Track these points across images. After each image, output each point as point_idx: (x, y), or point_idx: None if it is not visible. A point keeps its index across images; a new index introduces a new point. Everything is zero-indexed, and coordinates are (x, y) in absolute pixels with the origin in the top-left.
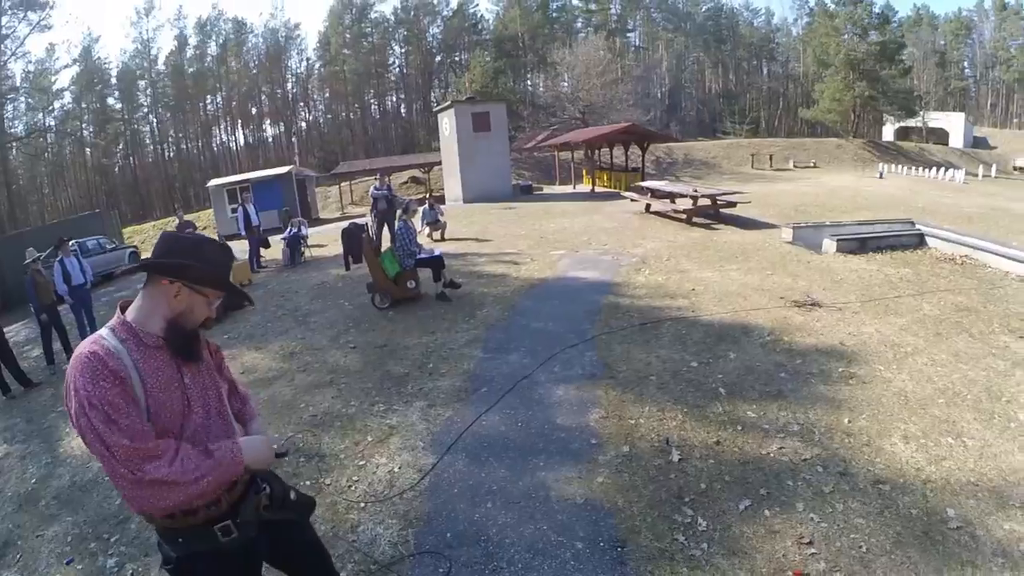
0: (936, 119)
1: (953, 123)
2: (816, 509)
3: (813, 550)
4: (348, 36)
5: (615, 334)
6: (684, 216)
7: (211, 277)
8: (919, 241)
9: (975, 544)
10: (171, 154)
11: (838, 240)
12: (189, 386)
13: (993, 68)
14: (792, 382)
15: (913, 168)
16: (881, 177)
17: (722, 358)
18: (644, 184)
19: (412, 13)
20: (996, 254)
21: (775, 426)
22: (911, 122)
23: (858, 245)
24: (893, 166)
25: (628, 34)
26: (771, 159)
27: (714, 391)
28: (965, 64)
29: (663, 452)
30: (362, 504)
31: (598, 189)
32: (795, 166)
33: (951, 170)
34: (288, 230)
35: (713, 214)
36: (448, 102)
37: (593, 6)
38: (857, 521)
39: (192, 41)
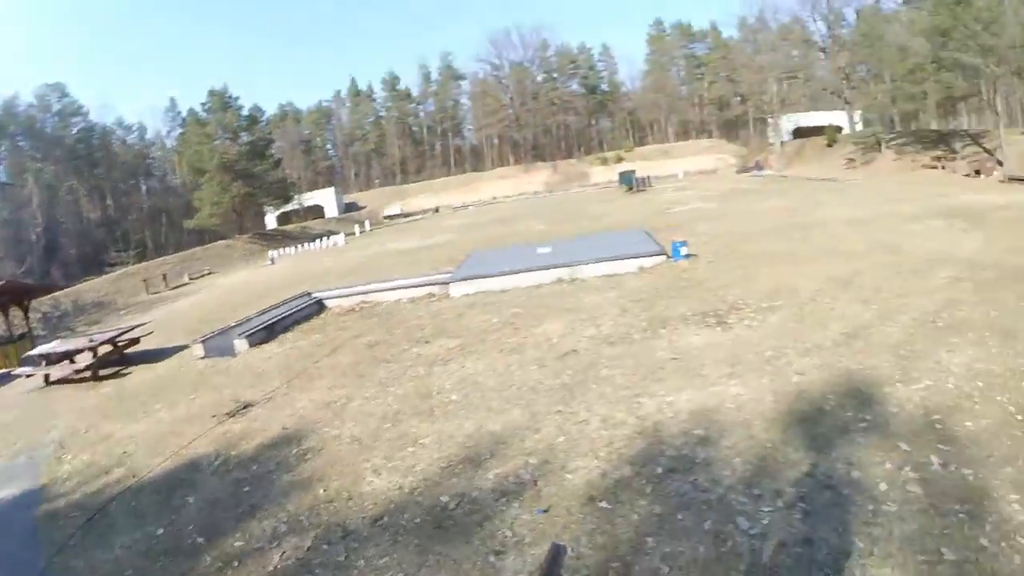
0: (311, 198)
1: (326, 198)
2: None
3: None
4: None
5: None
6: (90, 373)
7: None
8: (320, 307)
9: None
10: None
11: (247, 336)
12: None
13: (352, 144)
14: (260, 490)
15: (300, 245)
16: (272, 263)
17: (183, 507)
18: (35, 352)
19: None
20: (379, 291)
21: (267, 538)
22: (290, 206)
23: (267, 333)
24: (282, 250)
25: None
26: (165, 278)
27: (194, 544)
28: (328, 146)
29: None
30: None
31: None
32: (190, 278)
33: (332, 237)
34: None
35: (118, 359)
36: None
37: None
38: None
39: None
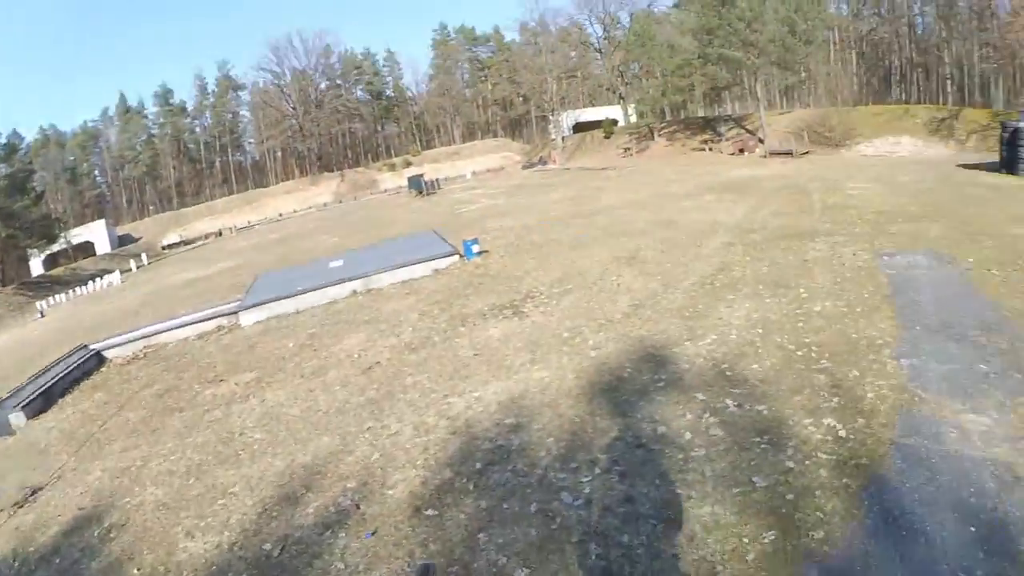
0: (79, 234)
1: (96, 232)
2: None
3: None
4: None
5: None
6: None
7: None
8: (100, 360)
9: None
10: None
11: (23, 408)
12: None
13: (123, 168)
14: None
15: (71, 291)
16: (42, 315)
17: None
18: None
19: None
20: (164, 332)
21: None
22: (56, 247)
23: (44, 401)
24: (53, 298)
25: None
26: None
27: None
28: (96, 172)
29: None
30: None
31: None
32: None
33: (107, 276)
34: None
35: None
36: None
37: None
38: None
39: None
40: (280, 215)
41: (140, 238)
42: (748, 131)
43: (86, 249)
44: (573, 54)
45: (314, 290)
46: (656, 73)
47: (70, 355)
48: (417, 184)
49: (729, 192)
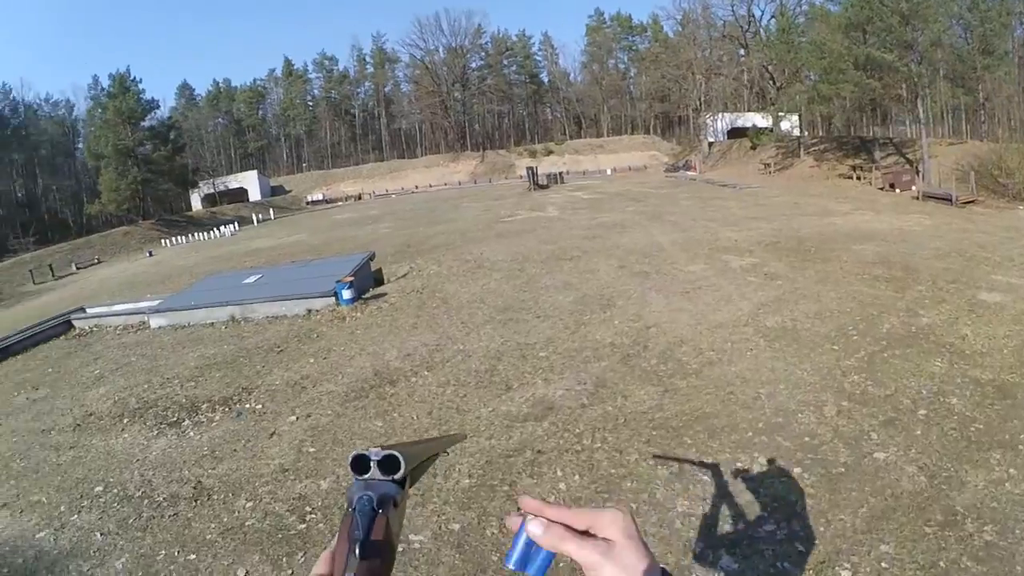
0: (235, 181)
1: (250, 181)
2: None
3: None
4: None
5: None
6: None
7: None
8: (67, 327)
9: None
10: None
11: None
12: None
13: (284, 126)
14: None
15: (193, 235)
16: (151, 256)
17: None
18: None
19: None
20: (114, 315)
21: None
22: (211, 189)
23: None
24: (176, 238)
25: None
26: (52, 269)
27: None
28: (261, 127)
29: None
30: None
31: None
32: (77, 268)
33: (226, 227)
34: None
35: None
36: None
37: None
38: None
39: None
40: (416, 187)
41: (291, 191)
42: (908, 160)
43: (238, 195)
44: (720, 52)
45: (204, 307)
46: (803, 77)
47: (53, 319)
48: (532, 177)
49: (793, 256)
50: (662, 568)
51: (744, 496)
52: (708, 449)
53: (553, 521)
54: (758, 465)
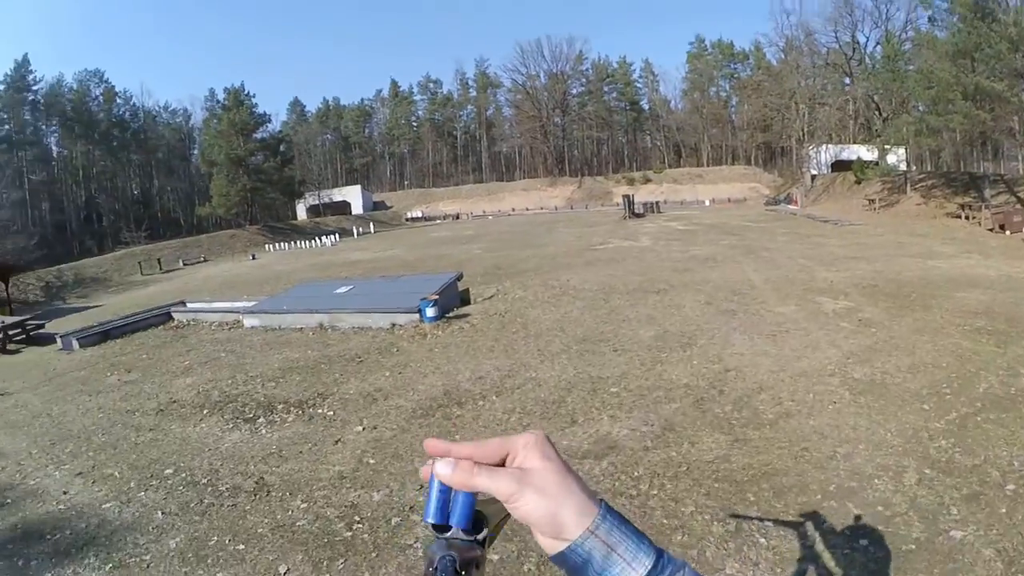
0: (340, 194)
1: (353, 195)
2: None
3: None
4: None
5: None
6: None
7: None
8: (167, 318)
9: None
10: None
11: (79, 339)
12: None
13: (388, 144)
14: None
15: (295, 243)
16: (254, 259)
17: None
18: None
19: None
20: (211, 312)
21: None
22: (315, 200)
23: (100, 337)
24: (279, 244)
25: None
26: (159, 262)
27: None
28: (366, 144)
29: None
30: None
31: None
32: (184, 264)
33: (327, 237)
34: None
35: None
36: None
37: None
38: None
39: None
40: (512, 210)
41: (391, 207)
42: (1020, 200)
43: (341, 208)
44: (824, 80)
45: (295, 313)
46: (911, 107)
47: (155, 309)
48: (628, 205)
49: (890, 301)
50: (600, 499)
51: (803, 565)
52: (772, 510)
53: (462, 459)
54: (823, 532)
